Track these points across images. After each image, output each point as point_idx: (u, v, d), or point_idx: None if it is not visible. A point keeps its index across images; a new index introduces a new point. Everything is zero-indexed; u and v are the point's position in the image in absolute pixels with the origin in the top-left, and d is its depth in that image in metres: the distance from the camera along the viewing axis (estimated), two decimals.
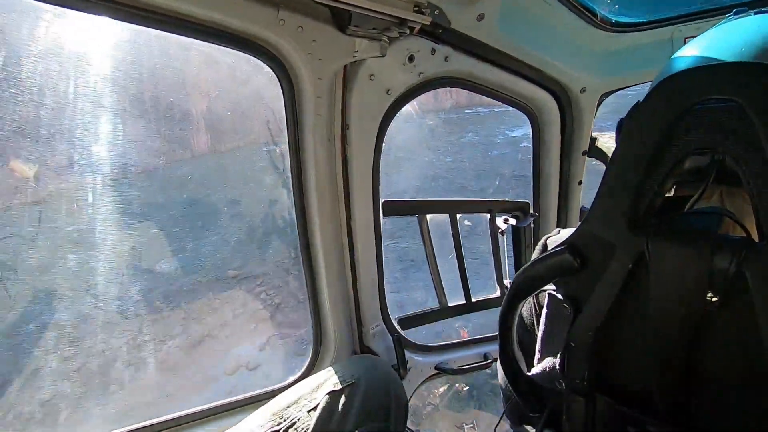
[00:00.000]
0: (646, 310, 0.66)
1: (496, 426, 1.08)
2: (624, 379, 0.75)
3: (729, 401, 0.65)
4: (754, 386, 0.62)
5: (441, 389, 4.59)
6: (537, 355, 0.87)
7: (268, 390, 1.46)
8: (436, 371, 1.80)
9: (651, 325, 0.66)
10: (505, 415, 1.07)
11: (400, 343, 1.64)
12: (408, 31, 1.18)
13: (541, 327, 0.84)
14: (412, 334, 1.76)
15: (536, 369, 0.86)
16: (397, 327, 1.69)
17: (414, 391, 1.76)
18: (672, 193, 0.82)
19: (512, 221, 1.92)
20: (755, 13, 0.82)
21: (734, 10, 0.88)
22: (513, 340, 0.88)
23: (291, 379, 1.50)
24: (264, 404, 1.31)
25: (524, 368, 0.90)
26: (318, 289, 1.48)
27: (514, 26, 1.42)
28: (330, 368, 1.30)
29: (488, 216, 1.90)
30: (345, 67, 1.25)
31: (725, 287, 0.59)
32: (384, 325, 1.64)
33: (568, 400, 0.79)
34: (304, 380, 1.31)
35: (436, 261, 1.77)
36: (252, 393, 1.44)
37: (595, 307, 0.71)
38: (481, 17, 1.30)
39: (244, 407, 1.42)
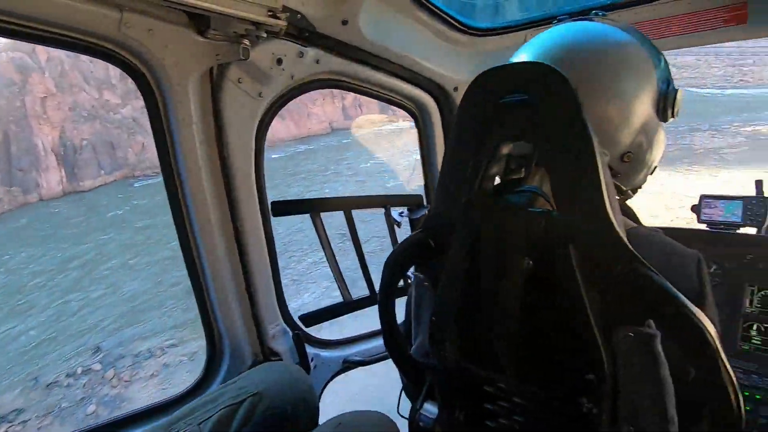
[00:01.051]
0: (487, 281, 0.75)
1: (398, 406, 1.14)
2: (481, 346, 0.82)
3: (550, 359, 0.75)
4: (565, 342, 0.72)
5: None
6: (413, 333, 0.93)
7: (161, 403, 1.39)
8: (345, 365, 1.84)
9: (492, 294, 0.74)
10: (403, 394, 1.14)
11: (301, 341, 1.65)
12: (265, 35, 1.20)
13: (413, 307, 0.91)
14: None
15: (414, 347, 0.92)
16: (300, 324, 1.70)
17: (323, 388, 1.79)
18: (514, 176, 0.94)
19: (407, 214, 2.04)
20: (574, 20, 0.97)
21: (558, 18, 1.06)
22: (394, 323, 0.93)
23: (185, 389, 1.45)
24: (157, 418, 1.25)
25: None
26: (206, 294, 1.45)
27: (380, 31, 1.52)
28: (233, 379, 1.27)
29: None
30: (212, 70, 1.25)
31: (537, 252, 0.69)
32: (284, 324, 1.65)
33: (437, 372, 0.86)
34: (204, 394, 1.26)
35: (334, 256, 1.82)
36: (143, 407, 1.37)
37: (449, 283, 0.79)
38: (345, 23, 1.38)
39: (136, 422, 1.34)
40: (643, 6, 1.42)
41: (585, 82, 0.80)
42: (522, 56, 0.91)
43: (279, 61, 1.33)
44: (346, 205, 1.83)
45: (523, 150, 0.77)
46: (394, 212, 2.03)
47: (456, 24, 1.74)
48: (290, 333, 1.66)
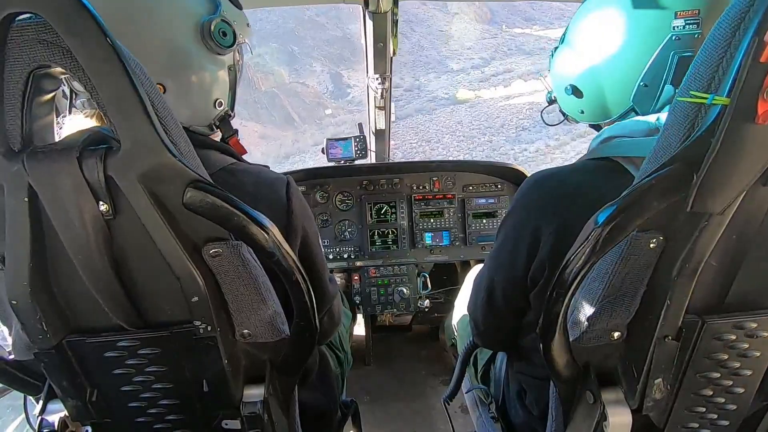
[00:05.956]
0: (62, 239, 0.64)
1: (28, 419, 0.95)
2: (84, 311, 0.72)
3: (156, 297, 0.71)
4: (162, 274, 0.67)
5: None
6: (8, 332, 0.80)
7: None
8: None
9: (73, 251, 0.64)
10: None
11: None
12: None
13: None
14: None
15: (11, 348, 0.80)
16: None
17: None
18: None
19: None
20: None
21: None
22: None
23: None
24: None
25: None
26: None
27: None
28: None
29: None
30: None
31: (109, 194, 0.61)
32: None
33: (43, 358, 0.72)
34: None
35: None
36: None
37: (15, 256, 0.65)
38: None
39: None
40: None
41: (125, 14, 0.79)
42: None
43: None
44: None
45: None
46: None
47: None
48: None
